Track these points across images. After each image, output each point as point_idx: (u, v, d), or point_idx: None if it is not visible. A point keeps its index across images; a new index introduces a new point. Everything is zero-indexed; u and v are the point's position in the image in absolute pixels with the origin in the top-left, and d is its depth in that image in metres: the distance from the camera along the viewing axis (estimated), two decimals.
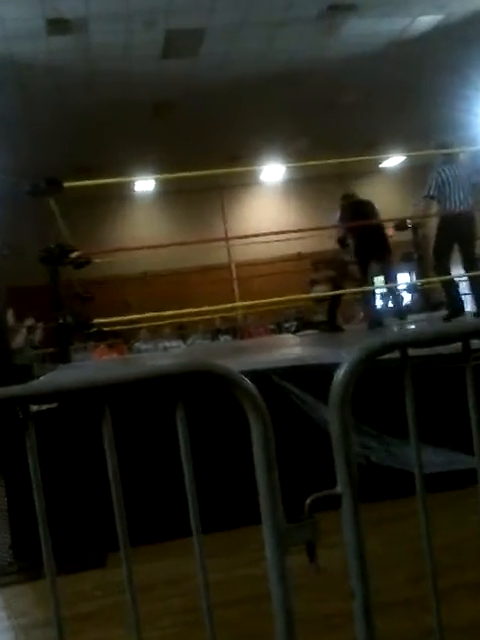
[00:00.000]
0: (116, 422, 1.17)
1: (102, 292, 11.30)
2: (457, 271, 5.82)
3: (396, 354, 1.26)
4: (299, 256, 13.33)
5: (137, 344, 10.89)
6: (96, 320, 4.94)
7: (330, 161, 6.56)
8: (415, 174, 14.68)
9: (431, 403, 3.13)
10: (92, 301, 8.47)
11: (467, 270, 5.44)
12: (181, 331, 11.86)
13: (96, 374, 1.15)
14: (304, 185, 14.81)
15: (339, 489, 1.17)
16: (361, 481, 1.21)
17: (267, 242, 10.21)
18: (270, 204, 15.27)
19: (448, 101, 9.87)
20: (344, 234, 6.19)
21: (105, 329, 7.46)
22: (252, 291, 11.99)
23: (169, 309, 5.84)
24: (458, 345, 1.29)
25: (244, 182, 14.70)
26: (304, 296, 7.03)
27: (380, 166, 14.90)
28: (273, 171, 14.36)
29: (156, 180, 13.29)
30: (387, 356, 1.26)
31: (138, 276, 13.20)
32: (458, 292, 5.60)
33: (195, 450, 1.20)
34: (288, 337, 9.00)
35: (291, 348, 5.52)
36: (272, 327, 11.83)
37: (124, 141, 10.75)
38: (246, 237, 12.78)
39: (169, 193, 14.36)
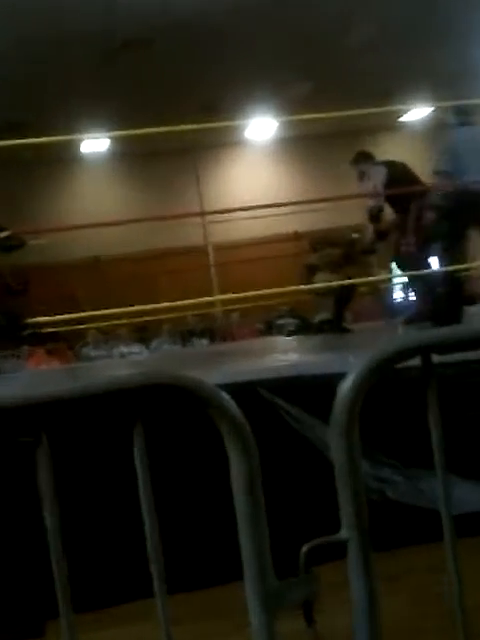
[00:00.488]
0: (56, 451, 1.16)
1: (40, 283, 11.26)
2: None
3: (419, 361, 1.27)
4: (296, 236, 13.38)
5: (85, 349, 10.86)
6: (32, 319, 4.93)
7: (336, 114, 6.56)
8: (443, 131, 14.84)
9: (467, 425, 3.15)
10: (26, 295, 8.44)
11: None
12: (143, 333, 11.84)
13: (29, 389, 1.15)
14: (302, 145, 14.84)
15: (344, 534, 1.18)
16: (375, 523, 1.22)
17: (254, 218, 10.24)
18: (258, 169, 15.29)
19: None
20: (380, 205, 6.20)
21: (43, 331, 7.45)
22: (235, 281, 12.01)
23: (127, 304, 5.84)
24: None
25: (224, 141, 14.69)
26: (304, 287, 6.83)
27: (400, 120, 14.98)
28: (262, 127, 14.37)
29: (110, 139, 13.23)
30: (411, 363, 1.27)
31: (88, 262, 13.18)
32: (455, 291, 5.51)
33: (158, 487, 1.20)
34: (281, 340, 9.03)
35: (284, 354, 5.54)
36: (260, 327, 11.86)
37: (69, 89, 10.69)
38: (227, 211, 12.81)
39: (127, 155, 14.32)
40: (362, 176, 6.45)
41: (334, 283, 5.90)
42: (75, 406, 1.13)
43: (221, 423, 1.15)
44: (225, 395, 1.16)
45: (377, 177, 6.23)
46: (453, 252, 5.35)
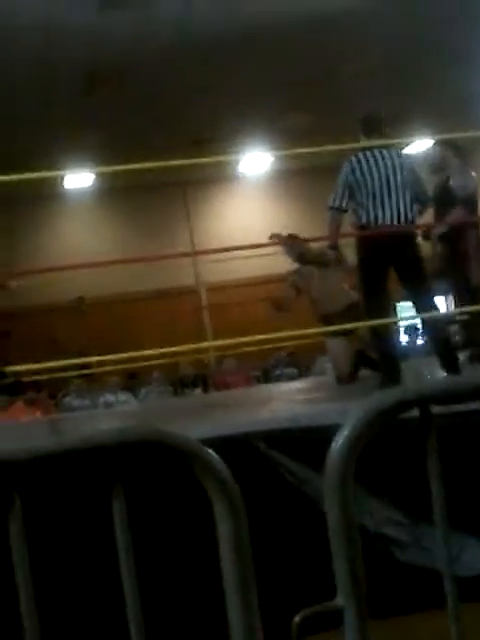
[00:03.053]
0: (29, 516, 1.16)
1: (20, 327, 11.30)
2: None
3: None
4: None
5: (68, 399, 10.78)
6: (12, 367, 4.93)
7: (333, 147, 6.60)
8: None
9: (475, 477, 3.15)
10: (7, 339, 8.45)
11: (420, 307, 5.08)
12: (131, 381, 11.81)
13: (1, 444, 1.15)
14: (299, 179, 14.96)
15: (339, 601, 1.17)
16: (386, 588, 1.21)
17: (249, 257, 10.26)
18: (253, 205, 15.39)
19: None
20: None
21: (24, 379, 7.44)
22: (229, 324, 12.04)
23: (114, 350, 5.84)
24: None
25: (217, 175, 14.83)
26: (309, 331, 6.62)
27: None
28: (256, 161, 14.49)
29: (96, 174, 13.32)
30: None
31: (71, 304, 13.20)
32: (394, 347, 5.30)
33: (140, 553, 1.20)
34: (278, 388, 9.01)
35: (283, 403, 5.54)
36: (256, 374, 11.85)
37: (52, 122, 10.80)
38: (220, 251, 12.82)
39: (114, 191, 14.40)
40: None
41: (352, 325, 5.77)
42: (48, 466, 1.13)
43: (207, 482, 1.15)
44: (210, 451, 1.16)
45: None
46: (375, 307, 4.97)
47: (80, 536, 2.88)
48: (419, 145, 14.54)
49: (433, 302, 5.17)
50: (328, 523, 1.20)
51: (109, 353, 5.43)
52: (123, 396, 11.01)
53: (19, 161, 8.53)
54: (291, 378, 10.67)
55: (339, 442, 1.20)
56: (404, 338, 13.45)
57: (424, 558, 3.19)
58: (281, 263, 12.97)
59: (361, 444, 1.21)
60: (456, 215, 5.97)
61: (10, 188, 10.47)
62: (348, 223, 5.15)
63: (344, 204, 4.97)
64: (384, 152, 5.02)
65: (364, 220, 4.90)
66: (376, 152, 5.00)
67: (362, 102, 11.63)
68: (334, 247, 5.35)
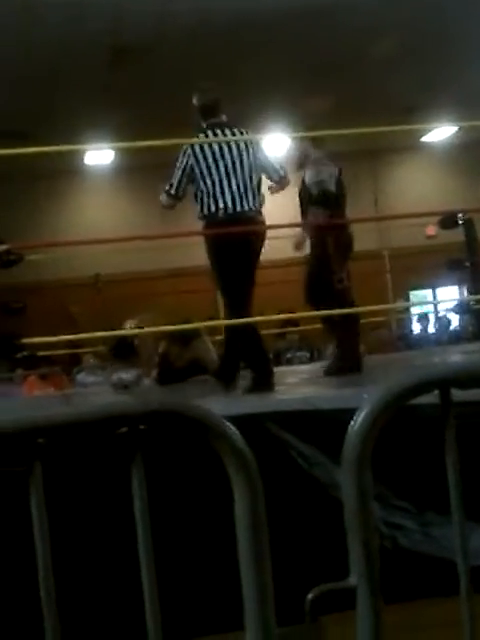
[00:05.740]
0: (48, 484, 1.16)
1: (37, 301, 11.30)
2: None
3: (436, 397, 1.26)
4: (307, 259, 13.36)
5: (81, 376, 10.76)
6: (29, 340, 4.94)
7: (352, 131, 6.56)
8: (469, 151, 14.88)
9: None
10: (23, 313, 8.47)
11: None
12: None
13: (21, 413, 1.15)
14: None
15: (353, 580, 1.17)
16: (386, 572, 1.21)
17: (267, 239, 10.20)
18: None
19: None
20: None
21: (40, 353, 7.46)
22: None
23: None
24: None
25: None
26: (323, 313, 6.25)
27: (422, 140, 15.03)
28: (276, 142, 14.42)
29: (115, 150, 13.29)
30: (426, 399, 1.27)
31: (87, 280, 13.20)
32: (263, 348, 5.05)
33: (157, 526, 1.20)
34: (292, 370, 8.99)
35: (295, 386, 5.52)
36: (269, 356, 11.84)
37: (74, 98, 10.78)
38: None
39: (134, 168, 14.33)
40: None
41: (353, 310, 5.70)
42: (70, 433, 1.12)
43: (226, 457, 1.15)
44: (230, 425, 1.16)
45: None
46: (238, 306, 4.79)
47: (98, 505, 2.89)
48: (441, 132, 14.46)
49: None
50: (343, 502, 1.20)
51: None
52: (135, 374, 10.97)
53: (41, 137, 8.55)
54: (302, 361, 10.64)
55: (359, 420, 1.19)
56: (416, 326, 13.40)
57: (429, 546, 3.19)
58: (288, 247, 12.94)
59: (380, 424, 1.20)
60: (312, 218, 5.66)
61: (31, 162, 10.48)
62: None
63: (181, 192, 4.85)
64: (228, 132, 4.84)
65: (212, 209, 4.71)
66: (219, 133, 4.82)
67: (382, 88, 11.60)
68: None
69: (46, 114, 10.98)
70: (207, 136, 4.81)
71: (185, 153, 4.77)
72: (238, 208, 4.70)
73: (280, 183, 5.07)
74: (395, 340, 11.87)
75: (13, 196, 13.38)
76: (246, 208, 4.73)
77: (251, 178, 4.79)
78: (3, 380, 9.85)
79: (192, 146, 4.74)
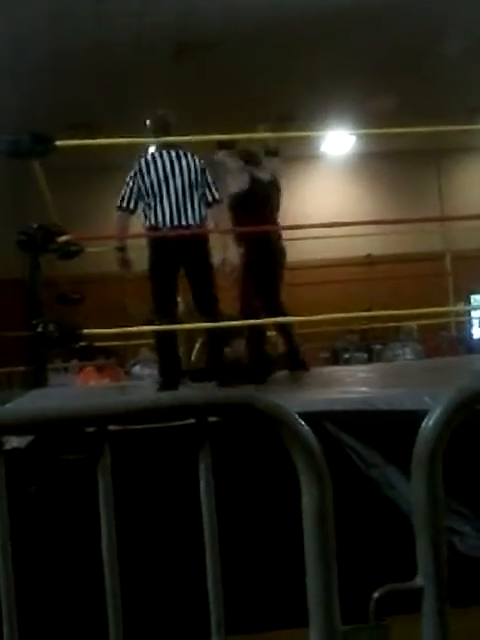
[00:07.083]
0: (116, 469, 1.17)
1: (95, 293, 11.41)
2: None
3: None
4: (368, 259, 13.30)
5: (136, 368, 10.84)
6: (87, 331, 4.99)
7: (416, 129, 6.51)
8: None
9: None
10: (81, 304, 8.57)
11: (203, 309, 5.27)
12: None
13: (88, 400, 1.16)
14: (379, 162, 14.76)
15: (419, 581, 1.16)
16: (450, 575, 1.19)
17: (320, 238, 10.17)
18: (330, 186, 15.23)
19: None
20: None
21: (97, 344, 7.53)
22: (300, 302, 11.97)
23: (185, 321, 5.87)
24: None
25: (299, 154, 14.70)
26: (379, 313, 6.47)
27: None
28: (338, 141, 14.36)
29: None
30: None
31: (142, 274, 13.27)
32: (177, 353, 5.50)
33: (222, 518, 1.20)
34: (349, 369, 8.95)
35: (352, 386, 5.49)
36: (325, 356, 11.81)
37: (138, 91, 10.87)
38: (292, 228, 12.76)
39: None
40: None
41: (411, 312, 5.71)
42: (141, 420, 1.13)
43: (296, 453, 1.14)
44: (300, 420, 1.16)
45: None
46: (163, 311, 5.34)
47: (165, 493, 2.89)
48: None
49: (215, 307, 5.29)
50: (413, 501, 1.18)
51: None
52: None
53: (106, 129, 8.63)
54: (360, 362, 10.58)
55: (432, 420, 1.18)
56: (477, 331, 13.20)
57: None
58: (354, 246, 12.88)
59: (453, 424, 1.19)
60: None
61: (96, 153, 10.60)
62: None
63: (131, 205, 5.22)
64: (172, 154, 5.23)
65: (152, 222, 5.13)
66: (164, 154, 5.23)
67: (449, 86, 11.47)
68: (122, 248, 5.45)
69: (111, 107, 11.10)
70: (155, 157, 5.24)
71: (133, 171, 5.25)
72: (176, 222, 5.14)
73: (211, 206, 5.37)
74: (455, 343, 11.74)
75: (74, 189, 13.51)
76: (184, 222, 5.16)
77: (192, 195, 5.20)
78: (58, 370, 10.00)
79: (139, 165, 5.21)
